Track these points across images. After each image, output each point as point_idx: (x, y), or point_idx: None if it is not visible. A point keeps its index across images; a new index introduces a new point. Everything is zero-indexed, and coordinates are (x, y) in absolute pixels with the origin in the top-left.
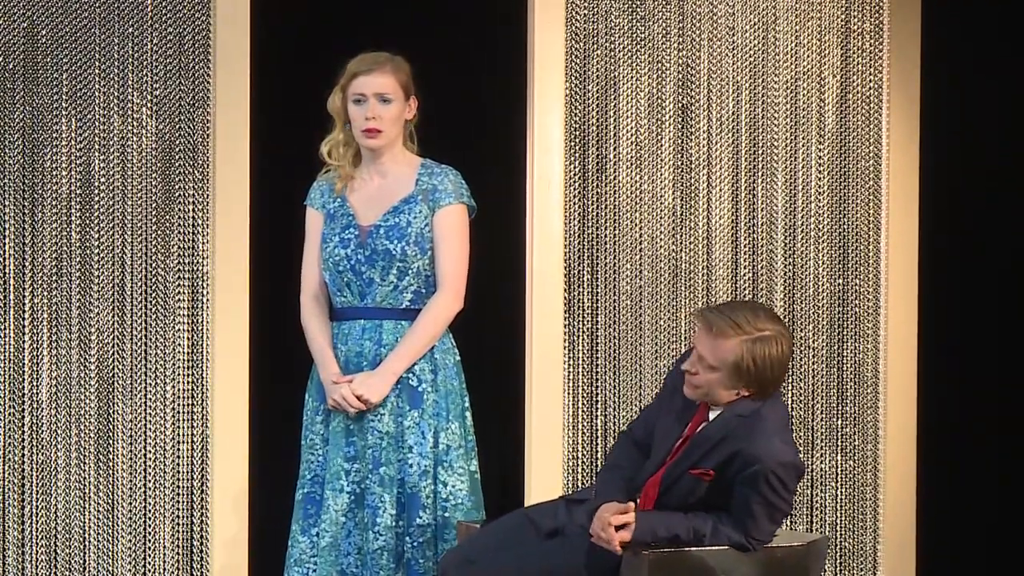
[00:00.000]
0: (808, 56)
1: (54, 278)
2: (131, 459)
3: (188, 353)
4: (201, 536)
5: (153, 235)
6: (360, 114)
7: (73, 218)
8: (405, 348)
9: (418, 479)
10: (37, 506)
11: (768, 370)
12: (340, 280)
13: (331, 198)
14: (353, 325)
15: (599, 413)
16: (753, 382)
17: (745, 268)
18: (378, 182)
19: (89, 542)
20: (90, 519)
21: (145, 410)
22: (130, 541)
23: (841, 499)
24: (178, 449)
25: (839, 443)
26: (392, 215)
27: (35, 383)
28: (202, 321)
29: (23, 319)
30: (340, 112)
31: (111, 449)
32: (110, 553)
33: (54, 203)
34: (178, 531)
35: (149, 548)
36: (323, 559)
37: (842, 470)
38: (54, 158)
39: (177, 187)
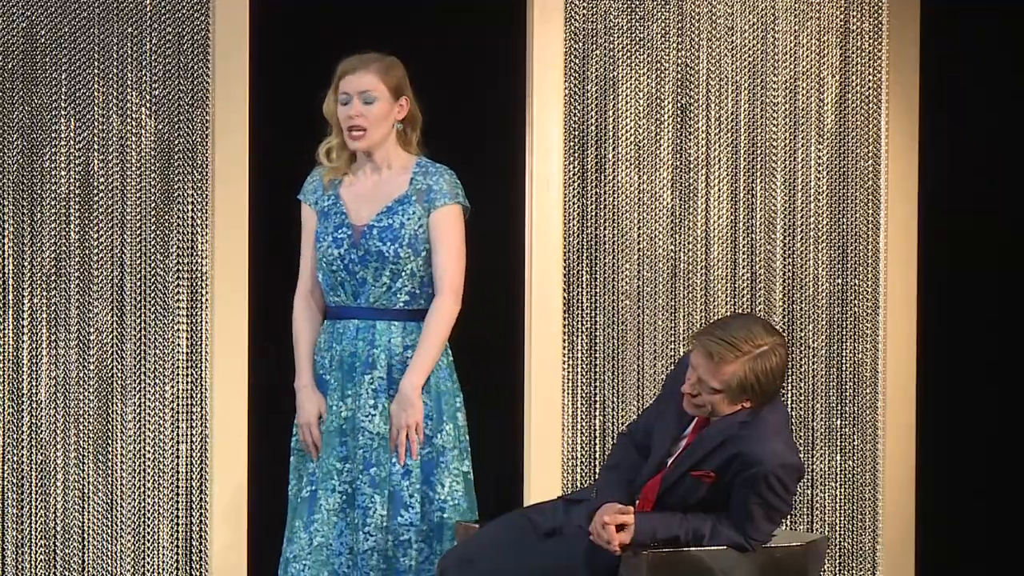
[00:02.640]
0: (807, 56)
1: (53, 278)
2: (131, 459)
3: (187, 353)
4: (200, 536)
5: (152, 235)
6: (344, 113)
7: (72, 218)
8: (420, 360)
9: (400, 478)
10: (37, 506)
11: (771, 382)
12: (334, 279)
13: (324, 194)
14: (347, 325)
15: (598, 413)
16: (756, 395)
17: (744, 268)
18: (373, 180)
19: (89, 542)
20: (90, 519)
21: (144, 410)
22: (129, 541)
23: (840, 499)
24: (177, 449)
25: (838, 443)
26: (386, 215)
27: (34, 383)
28: (201, 321)
29: (22, 319)
30: (333, 115)
31: (111, 449)
32: (110, 553)
33: (53, 203)
34: (177, 531)
35: (148, 548)
36: (314, 558)
37: (841, 470)
38: (53, 158)
39: (176, 187)
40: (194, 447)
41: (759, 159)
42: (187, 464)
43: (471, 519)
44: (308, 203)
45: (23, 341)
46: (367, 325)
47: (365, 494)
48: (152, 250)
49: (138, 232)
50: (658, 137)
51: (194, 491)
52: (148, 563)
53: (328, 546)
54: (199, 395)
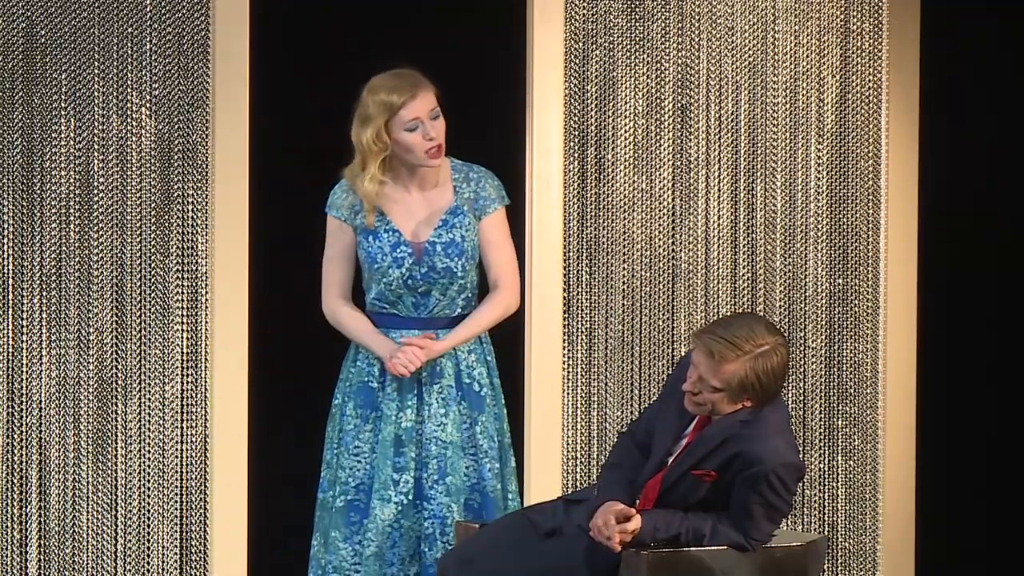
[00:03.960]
0: (807, 56)
1: (53, 278)
2: (131, 459)
3: (187, 353)
4: (200, 536)
5: (152, 235)
6: (419, 138)
7: (72, 218)
8: (467, 332)
9: (496, 482)
10: (37, 506)
11: (772, 382)
12: (392, 295)
13: (363, 211)
14: (406, 335)
15: (598, 413)
16: (757, 395)
17: (744, 268)
18: (417, 195)
19: (88, 542)
20: (90, 519)
21: (144, 410)
22: (129, 541)
23: (840, 499)
24: (178, 449)
25: (838, 443)
26: (444, 230)
27: (35, 383)
28: (201, 321)
29: (23, 319)
30: (384, 146)
31: (110, 449)
32: (110, 553)
33: (53, 203)
34: (177, 531)
35: (148, 548)
36: (367, 569)
37: (842, 470)
38: (53, 158)
39: (176, 187)
40: (194, 447)
41: (759, 159)
42: (187, 464)
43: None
44: (341, 218)
45: (23, 341)
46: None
47: (441, 503)
48: (152, 250)
49: (138, 232)
50: (658, 137)
51: (194, 491)
52: (148, 563)
53: (381, 557)
54: (199, 395)
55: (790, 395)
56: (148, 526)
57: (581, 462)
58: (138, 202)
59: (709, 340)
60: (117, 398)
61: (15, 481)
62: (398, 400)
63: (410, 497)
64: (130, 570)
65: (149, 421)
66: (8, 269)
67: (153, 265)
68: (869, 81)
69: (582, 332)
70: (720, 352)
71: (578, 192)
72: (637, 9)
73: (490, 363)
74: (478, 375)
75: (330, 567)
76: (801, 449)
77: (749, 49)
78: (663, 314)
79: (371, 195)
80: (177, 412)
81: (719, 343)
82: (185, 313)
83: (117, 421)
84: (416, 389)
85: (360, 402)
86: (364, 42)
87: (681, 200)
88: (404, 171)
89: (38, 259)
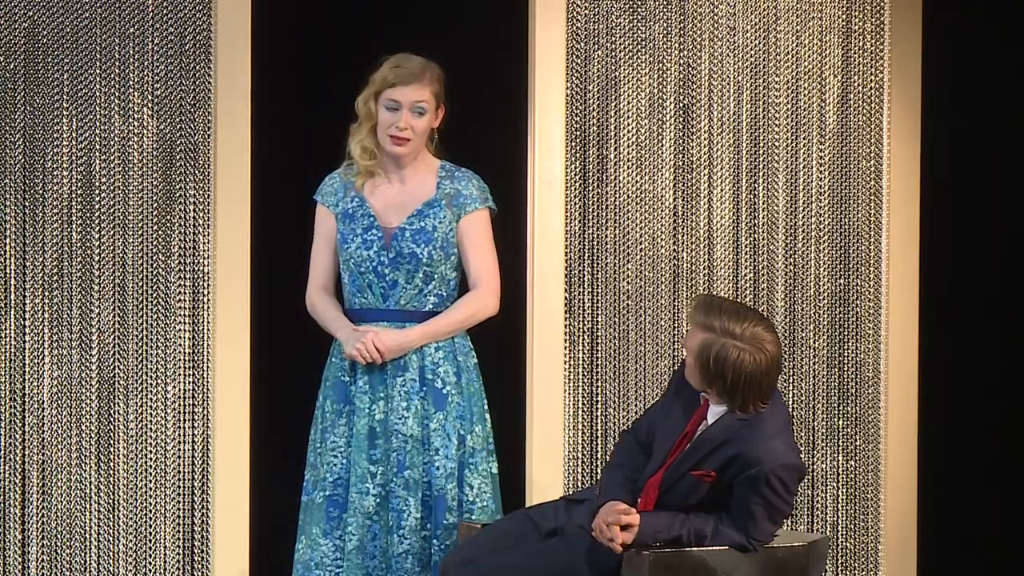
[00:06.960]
0: (809, 56)
1: (55, 278)
2: (132, 459)
3: (189, 353)
4: (202, 536)
5: (154, 235)
6: (391, 120)
7: (74, 218)
8: (434, 327)
9: (444, 481)
10: (37, 506)
11: (726, 376)
12: (361, 281)
13: (346, 196)
14: (375, 327)
15: (599, 413)
16: (712, 381)
17: (746, 268)
18: (398, 186)
19: (90, 542)
20: (91, 519)
21: (146, 410)
22: (131, 541)
23: (842, 499)
24: (179, 449)
25: (840, 443)
26: (417, 218)
27: (35, 383)
28: (203, 321)
29: (24, 319)
30: (370, 114)
31: (112, 449)
32: (111, 553)
33: (55, 203)
34: (179, 531)
35: (150, 549)
36: (350, 562)
37: (843, 470)
38: (55, 158)
39: (178, 187)
40: (196, 447)
41: (761, 159)
42: (189, 464)
43: (495, 519)
44: (326, 205)
45: (25, 341)
46: (397, 327)
47: (399, 497)
48: (154, 250)
49: (140, 232)
50: (660, 137)
51: (196, 492)
52: (150, 564)
53: (363, 549)
54: (201, 395)
55: (792, 395)
56: (150, 526)
57: (583, 463)
58: (140, 202)
59: (696, 306)
60: (119, 398)
61: (17, 481)
62: (370, 393)
63: (387, 489)
64: (132, 570)
65: (151, 421)
66: (9, 269)
67: (155, 265)
68: (871, 81)
69: (584, 333)
70: (694, 320)
71: (580, 192)
72: (639, 9)
73: (461, 363)
74: (443, 372)
75: (312, 564)
76: (803, 449)
77: (751, 49)
78: (665, 315)
79: (356, 156)
80: (179, 412)
81: (698, 312)
82: (187, 313)
83: (119, 421)
84: (384, 382)
85: (335, 398)
86: (365, 42)
87: (683, 200)
88: (389, 163)
89: (40, 259)
